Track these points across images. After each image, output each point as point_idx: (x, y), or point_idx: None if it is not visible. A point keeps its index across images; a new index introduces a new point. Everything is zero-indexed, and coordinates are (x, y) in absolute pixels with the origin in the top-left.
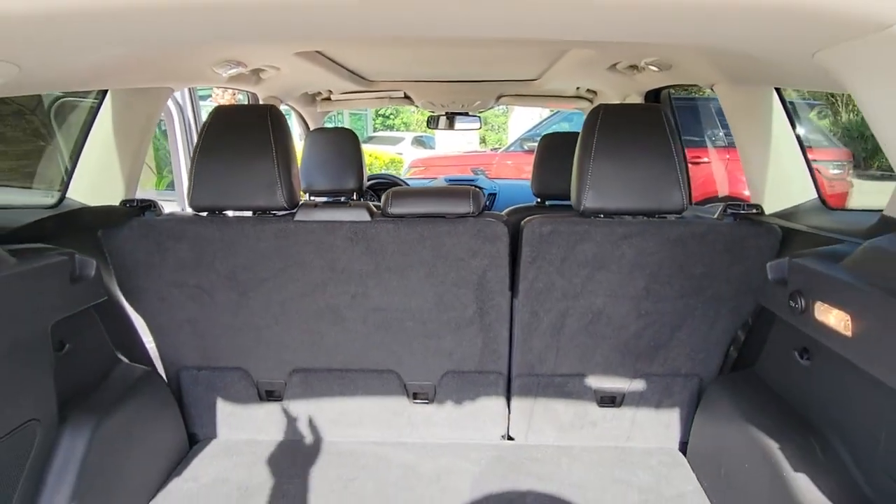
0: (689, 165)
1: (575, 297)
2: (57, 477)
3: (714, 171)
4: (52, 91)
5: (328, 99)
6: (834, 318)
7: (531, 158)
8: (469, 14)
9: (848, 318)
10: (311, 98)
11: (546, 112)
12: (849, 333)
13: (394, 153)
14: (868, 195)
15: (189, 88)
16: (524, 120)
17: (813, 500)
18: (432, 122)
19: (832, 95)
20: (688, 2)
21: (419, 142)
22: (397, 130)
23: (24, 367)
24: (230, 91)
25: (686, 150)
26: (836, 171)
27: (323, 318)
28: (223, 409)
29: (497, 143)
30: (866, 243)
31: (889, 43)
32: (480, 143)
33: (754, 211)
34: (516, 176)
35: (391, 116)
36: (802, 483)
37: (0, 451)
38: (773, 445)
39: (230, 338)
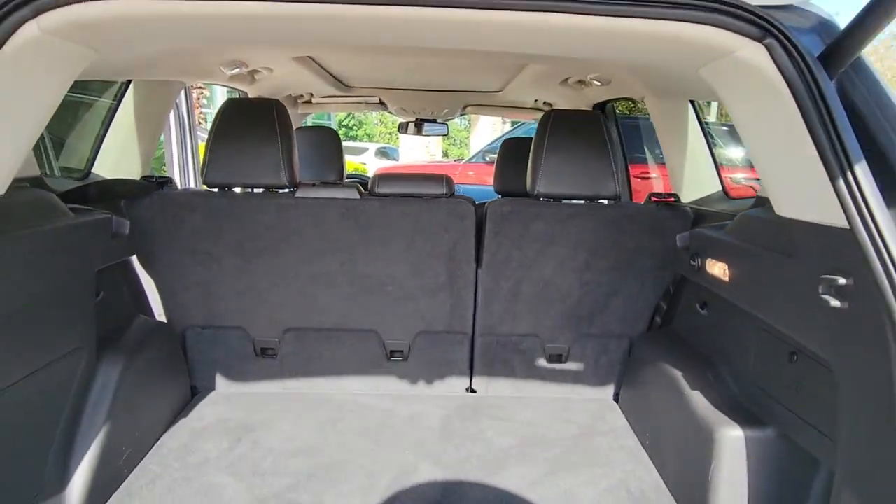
0: (639, 180)
1: (529, 268)
2: (97, 399)
3: (660, 186)
4: (111, 79)
5: (309, 102)
6: (718, 269)
7: (492, 169)
8: (443, 29)
9: (726, 266)
10: (294, 100)
11: (508, 127)
12: (727, 279)
13: (358, 163)
14: None
15: (185, 87)
16: (486, 135)
17: (703, 410)
18: (403, 127)
19: None
20: (609, 29)
21: (382, 153)
22: (360, 141)
23: (77, 302)
24: (197, 88)
25: (636, 167)
26: (747, 184)
27: (315, 283)
28: (223, 364)
29: (459, 156)
30: (740, 214)
31: (734, 64)
32: (443, 156)
33: (672, 199)
34: (478, 183)
35: (354, 128)
36: (697, 400)
37: (55, 369)
38: (679, 377)
39: (233, 299)
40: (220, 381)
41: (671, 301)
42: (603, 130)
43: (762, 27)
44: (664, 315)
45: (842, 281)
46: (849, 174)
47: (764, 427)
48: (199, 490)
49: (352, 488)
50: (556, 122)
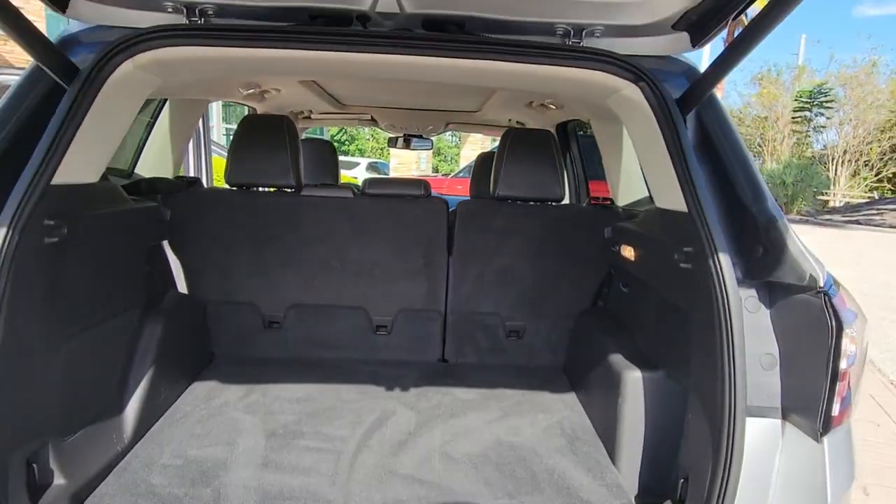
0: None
1: (491, 257)
2: (143, 350)
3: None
4: (157, 97)
5: (308, 117)
6: (628, 252)
7: None
8: (421, 69)
9: (632, 249)
10: (295, 116)
11: (496, 145)
12: (633, 259)
13: (350, 176)
14: None
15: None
16: (477, 151)
17: (615, 363)
18: (392, 142)
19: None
20: (540, 72)
21: (374, 167)
22: (352, 156)
23: (133, 271)
24: None
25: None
26: None
27: (315, 267)
28: (237, 334)
29: (448, 172)
30: (644, 210)
31: (623, 98)
32: (433, 171)
33: (608, 202)
34: (466, 195)
35: (346, 143)
36: (613, 356)
37: (116, 322)
38: (604, 342)
39: (246, 279)
40: (235, 348)
41: (608, 284)
42: (552, 146)
43: (635, 73)
44: (604, 297)
45: (687, 249)
46: (688, 176)
47: (656, 370)
48: (222, 422)
49: (343, 423)
50: (514, 138)
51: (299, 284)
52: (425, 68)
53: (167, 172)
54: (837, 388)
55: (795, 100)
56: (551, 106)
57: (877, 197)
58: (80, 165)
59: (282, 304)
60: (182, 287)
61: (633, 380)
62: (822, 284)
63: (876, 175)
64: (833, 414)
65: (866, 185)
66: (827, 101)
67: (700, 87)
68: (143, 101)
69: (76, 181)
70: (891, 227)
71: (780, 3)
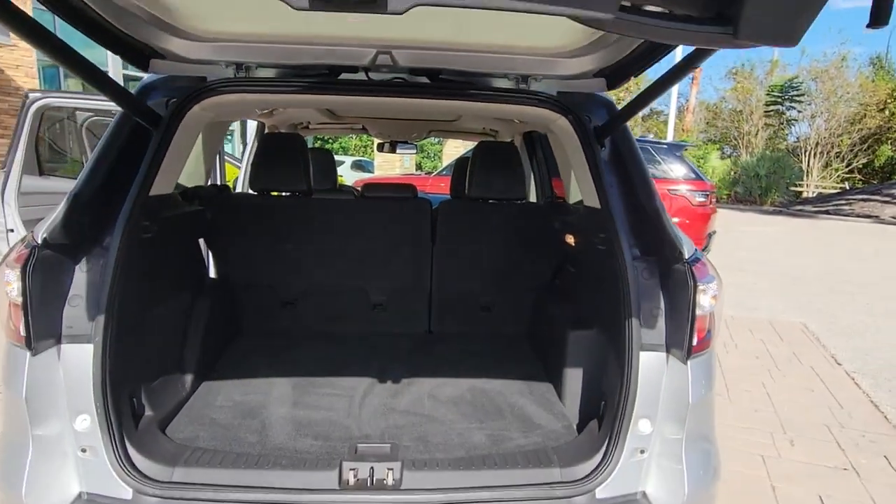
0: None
1: (467, 246)
2: (195, 324)
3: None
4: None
5: (307, 127)
6: (570, 239)
7: None
8: (405, 106)
9: (572, 236)
10: (295, 126)
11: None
12: (573, 244)
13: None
14: None
15: None
16: (459, 149)
17: (562, 323)
18: (381, 147)
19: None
20: (498, 108)
21: (358, 165)
22: (336, 154)
23: (188, 261)
24: None
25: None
26: None
27: (324, 256)
28: (258, 312)
29: (432, 169)
30: (582, 205)
31: (559, 126)
32: (417, 168)
33: (561, 200)
34: (445, 192)
35: (330, 141)
36: (559, 319)
37: (177, 300)
38: (552, 310)
39: (267, 267)
40: (258, 323)
41: (562, 266)
42: (515, 156)
43: (564, 108)
44: (559, 276)
45: (602, 235)
46: (600, 183)
47: (590, 328)
48: (257, 378)
49: (352, 374)
50: (484, 150)
51: (310, 270)
52: (414, 106)
53: (200, 181)
54: (695, 327)
55: (768, 94)
56: (516, 120)
57: (847, 187)
58: (163, 181)
59: (296, 286)
60: (213, 274)
61: (574, 336)
62: (686, 257)
63: (847, 166)
64: (693, 345)
65: (838, 176)
66: (797, 95)
67: (615, 120)
68: (200, 131)
69: (161, 192)
70: (858, 216)
71: (663, 82)
